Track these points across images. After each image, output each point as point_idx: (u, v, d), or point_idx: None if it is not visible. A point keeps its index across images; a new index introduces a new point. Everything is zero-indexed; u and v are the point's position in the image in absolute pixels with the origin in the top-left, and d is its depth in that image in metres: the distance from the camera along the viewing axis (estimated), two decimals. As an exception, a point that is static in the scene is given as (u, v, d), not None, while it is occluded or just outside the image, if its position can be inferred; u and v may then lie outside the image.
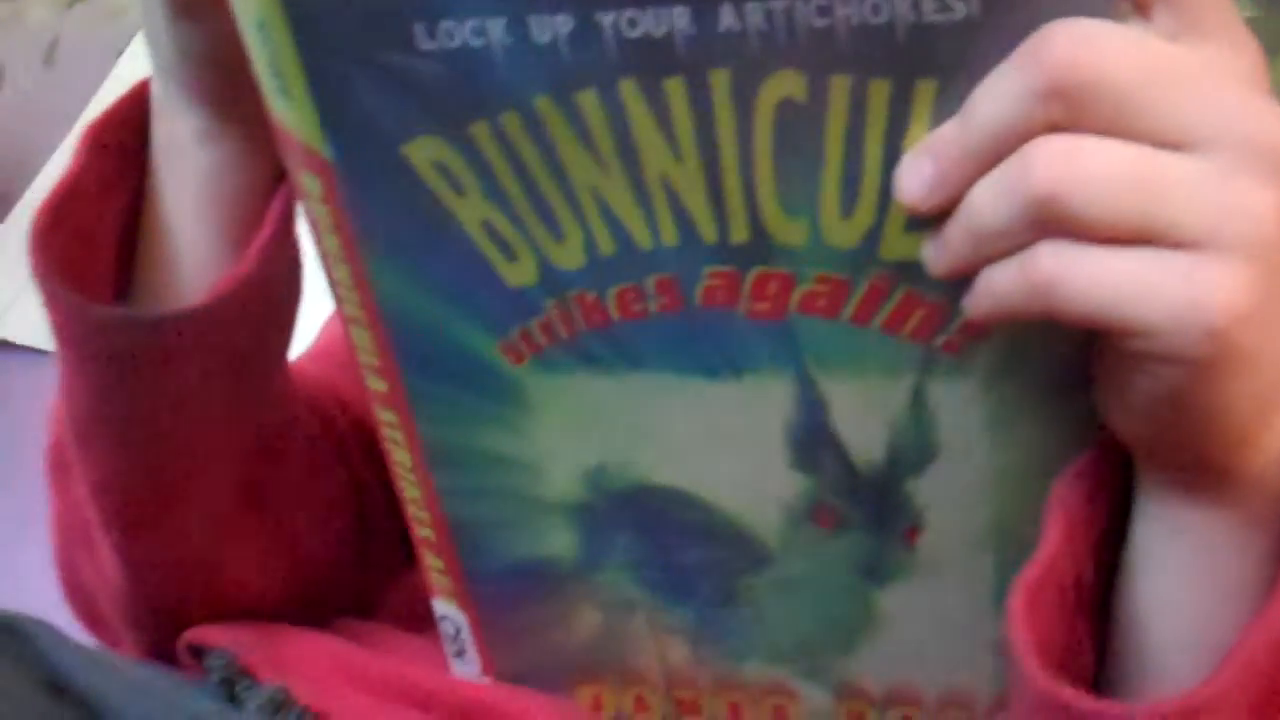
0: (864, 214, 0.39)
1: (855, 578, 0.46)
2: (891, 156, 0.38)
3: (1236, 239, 0.35)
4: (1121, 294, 0.35)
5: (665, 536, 0.48)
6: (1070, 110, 0.34)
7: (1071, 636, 0.41)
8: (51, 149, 2.08)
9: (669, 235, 0.41)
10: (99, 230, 0.55)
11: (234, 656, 0.57)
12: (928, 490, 0.44)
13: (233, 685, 0.56)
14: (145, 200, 0.56)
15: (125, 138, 0.55)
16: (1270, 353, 0.36)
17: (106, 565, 0.59)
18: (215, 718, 0.53)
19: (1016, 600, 0.39)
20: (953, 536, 0.45)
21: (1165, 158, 0.35)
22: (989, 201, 0.36)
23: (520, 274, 0.43)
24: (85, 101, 2.07)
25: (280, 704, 0.53)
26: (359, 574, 0.65)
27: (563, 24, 0.37)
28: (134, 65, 2.09)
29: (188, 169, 0.55)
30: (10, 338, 1.78)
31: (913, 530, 0.45)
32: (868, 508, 0.44)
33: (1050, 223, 0.35)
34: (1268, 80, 0.37)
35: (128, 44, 2.12)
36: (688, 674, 0.49)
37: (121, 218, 0.56)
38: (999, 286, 0.37)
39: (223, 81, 0.52)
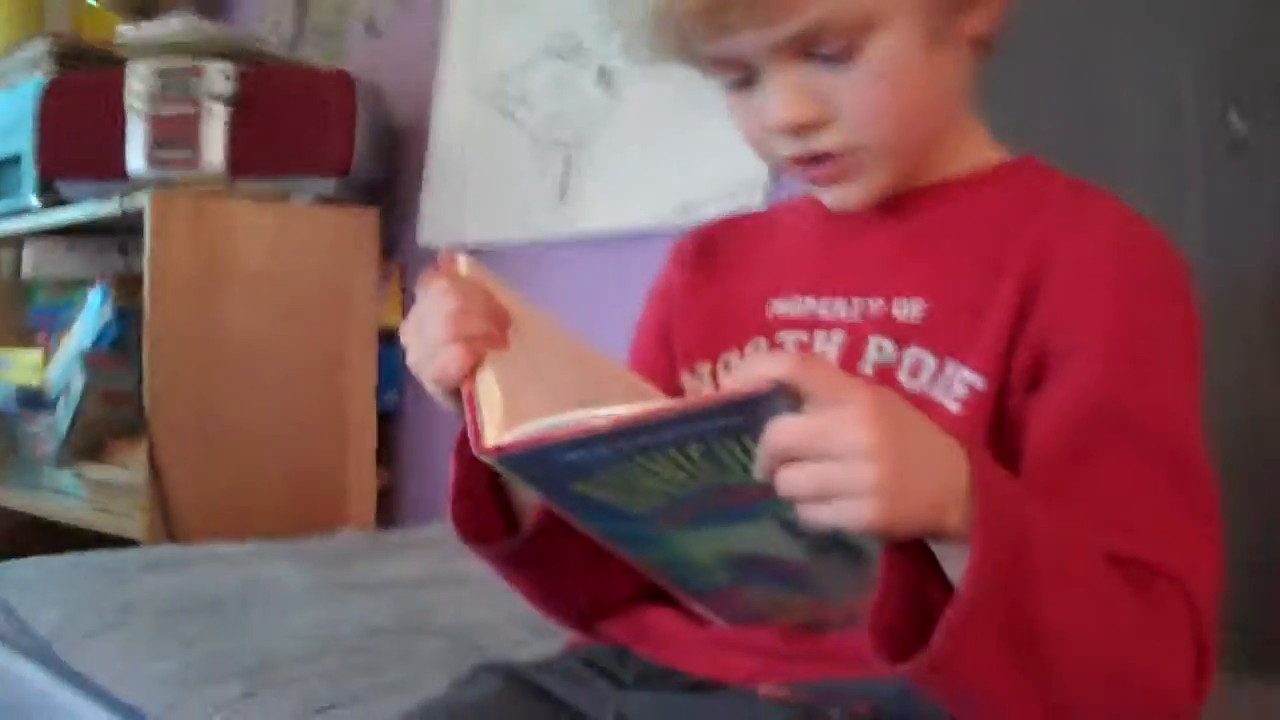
0: None
1: (853, 560, 0.82)
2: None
3: (861, 488, 0.71)
4: (830, 520, 0.73)
5: (765, 566, 0.89)
6: (784, 457, 0.72)
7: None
8: (423, 84, 2.48)
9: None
10: (482, 500, 0.96)
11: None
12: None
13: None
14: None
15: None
16: (907, 511, 0.72)
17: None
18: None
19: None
20: None
21: (827, 466, 0.72)
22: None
23: (639, 507, 0.83)
24: (440, 33, 2.46)
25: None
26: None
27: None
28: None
29: None
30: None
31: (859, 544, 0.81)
32: (836, 542, 0.81)
33: (792, 499, 0.73)
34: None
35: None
36: (796, 605, 0.91)
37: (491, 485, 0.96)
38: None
39: None
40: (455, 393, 0.86)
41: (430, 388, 0.89)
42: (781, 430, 0.72)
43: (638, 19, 0.91)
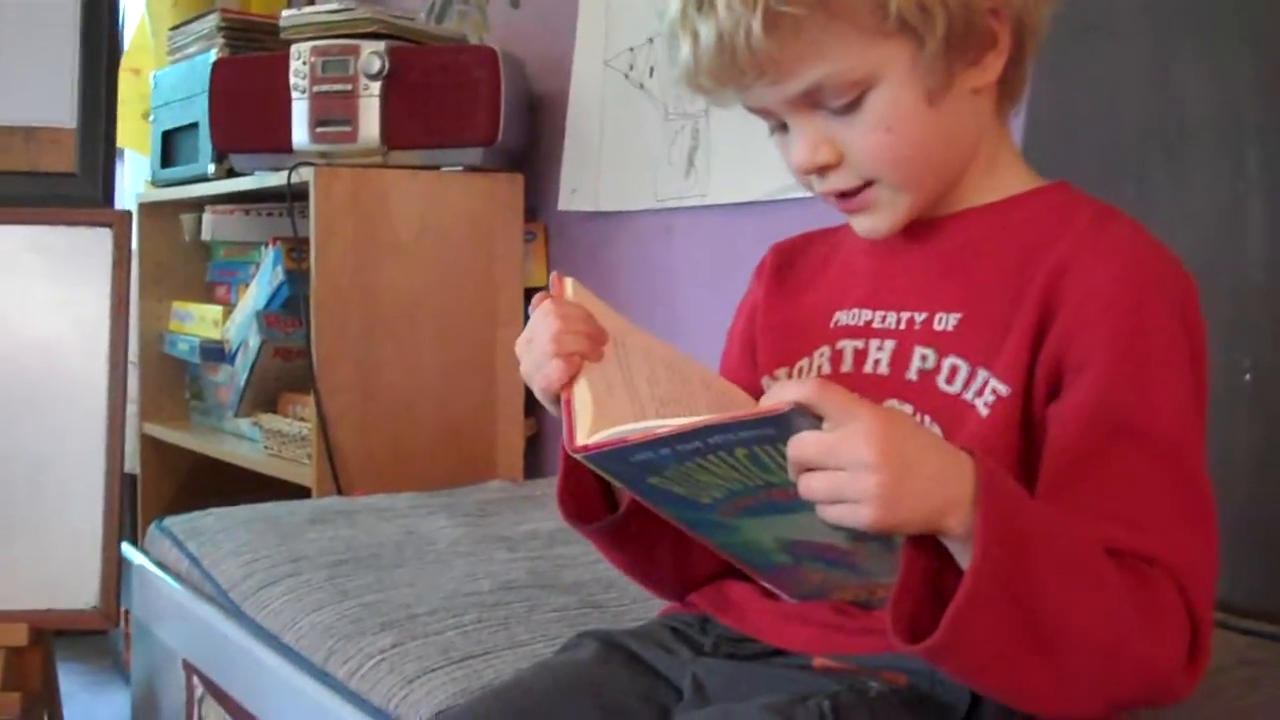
0: None
1: (885, 545, 0.93)
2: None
3: (863, 495, 0.84)
4: (837, 518, 0.86)
5: (816, 550, 1.02)
6: (803, 466, 0.86)
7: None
8: (559, 55, 2.63)
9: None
10: (587, 488, 1.13)
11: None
12: None
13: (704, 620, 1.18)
14: None
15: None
16: (903, 515, 0.85)
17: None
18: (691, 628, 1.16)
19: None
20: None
21: (837, 474, 0.85)
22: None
23: (705, 498, 0.96)
24: (573, 6, 2.59)
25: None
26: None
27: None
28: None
29: None
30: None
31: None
32: (870, 535, 0.90)
33: (808, 499, 0.87)
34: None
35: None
36: (849, 584, 1.04)
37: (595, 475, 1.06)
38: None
39: None
40: (557, 399, 1.01)
41: (538, 394, 1.04)
42: (801, 444, 0.86)
43: (677, 75, 1.04)
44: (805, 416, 0.86)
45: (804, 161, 1.04)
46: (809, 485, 0.87)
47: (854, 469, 0.85)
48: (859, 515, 0.85)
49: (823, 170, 1.04)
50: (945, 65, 1.00)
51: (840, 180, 1.04)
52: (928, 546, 0.89)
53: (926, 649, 0.86)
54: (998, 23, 1.02)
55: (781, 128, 1.05)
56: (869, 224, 1.08)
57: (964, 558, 0.87)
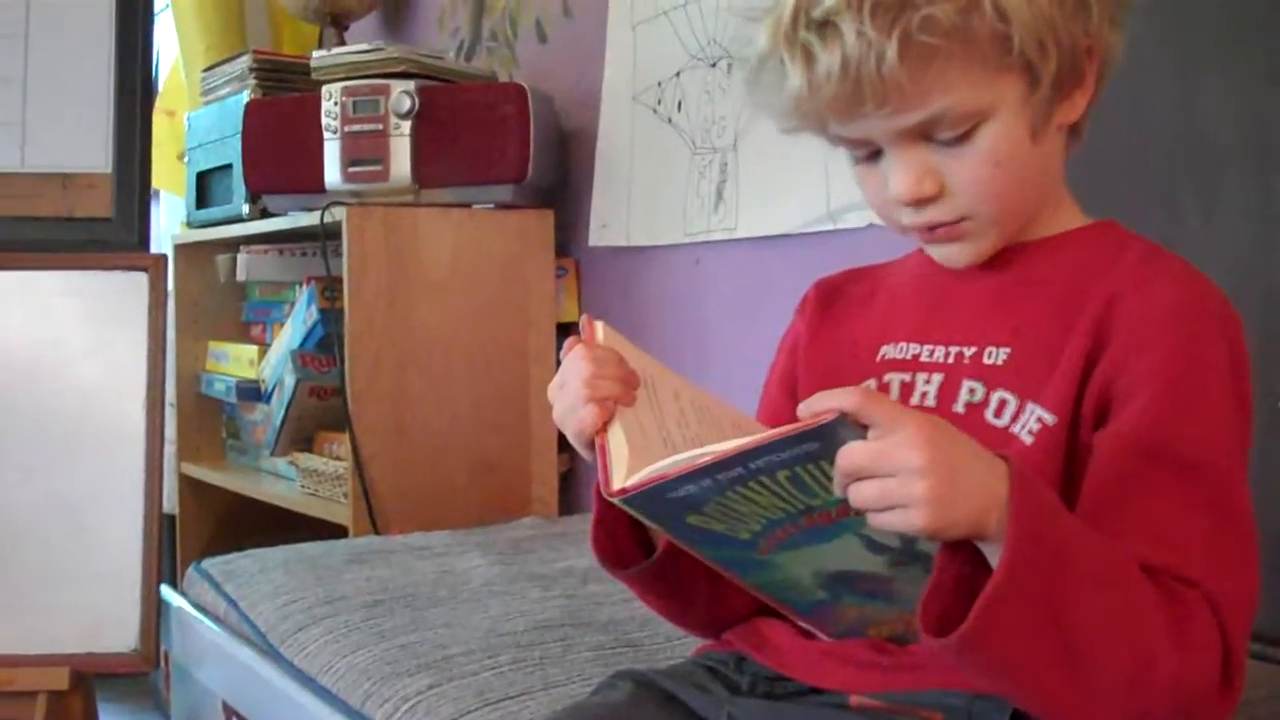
0: None
1: (924, 568, 0.92)
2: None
3: (915, 499, 0.85)
4: (889, 524, 0.86)
5: (854, 582, 1.03)
6: (853, 475, 0.87)
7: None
8: (588, 91, 2.65)
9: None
10: (619, 532, 1.12)
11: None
12: (922, 543, 0.94)
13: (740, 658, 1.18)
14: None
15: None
16: (954, 516, 0.86)
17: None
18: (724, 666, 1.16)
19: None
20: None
21: (887, 481, 0.85)
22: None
23: (744, 534, 1.00)
24: (600, 41, 2.61)
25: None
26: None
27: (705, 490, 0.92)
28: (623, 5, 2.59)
29: None
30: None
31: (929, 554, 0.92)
32: (912, 555, 0.94)
33: (860, 509, 0.88)
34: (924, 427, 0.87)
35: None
36: (886, 618, 1.04)
37: (628, 518, 1.06)
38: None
39: None
40: (591, 444, 1.01)
41: (571, 439, 1.04)
42: (850, 453, 0.87)
43: (779, 105, 1.04)
44: (849, 427, 0.87)
45: (907, 193, 1.03)
46: (859, 494, 0.87)
47: (904, 474, 0.85)
48: (910, 520, 0.86)
49: (921, 203, 1.04)
50: (1049, 101, 1.01)
51: (938, 213, 1.05)
52: (961, 552, 0.89)
53: (954, 640, 0.86)
54: (1089, 61, 1.03)
55: (869, 158, 1.05)
56: (951, 253, 1.09)
57: (997, 558, 0.87)
